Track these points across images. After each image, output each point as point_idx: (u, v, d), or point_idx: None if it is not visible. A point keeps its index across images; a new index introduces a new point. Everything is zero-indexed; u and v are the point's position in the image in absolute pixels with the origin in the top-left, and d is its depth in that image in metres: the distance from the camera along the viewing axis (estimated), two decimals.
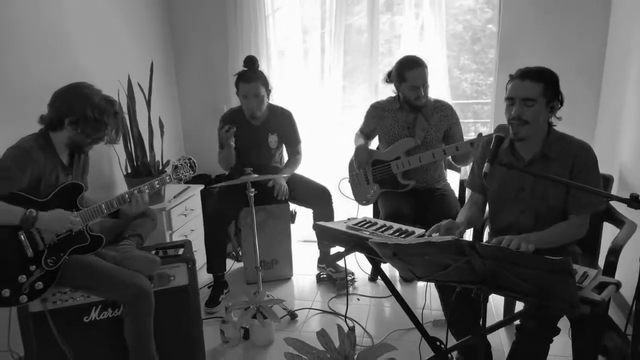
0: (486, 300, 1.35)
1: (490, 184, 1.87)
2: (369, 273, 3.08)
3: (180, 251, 2.22)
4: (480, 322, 1.44)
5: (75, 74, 2.66)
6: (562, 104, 1.79)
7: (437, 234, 1.68)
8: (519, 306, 2.33)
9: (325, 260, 3.06)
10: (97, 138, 1.95)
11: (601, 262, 1.95)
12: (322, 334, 1.77)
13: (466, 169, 2.82)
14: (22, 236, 1.76)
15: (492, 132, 2.35)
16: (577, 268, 1.41)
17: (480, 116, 4.11)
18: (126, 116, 2.82)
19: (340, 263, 3.02)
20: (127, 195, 2.03)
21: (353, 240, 1.81)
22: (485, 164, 1.57)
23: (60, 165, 1.93)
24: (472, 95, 4.13)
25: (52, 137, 1.90)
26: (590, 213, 1.78)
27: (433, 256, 1.30)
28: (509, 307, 2.35)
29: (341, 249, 1.91)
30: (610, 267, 1.79)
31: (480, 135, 2.48)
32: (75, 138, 1.90)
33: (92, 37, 2.82)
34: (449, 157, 2.75)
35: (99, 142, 1.98)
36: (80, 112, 1.86)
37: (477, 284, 1.34)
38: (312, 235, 3.52)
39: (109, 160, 2.95)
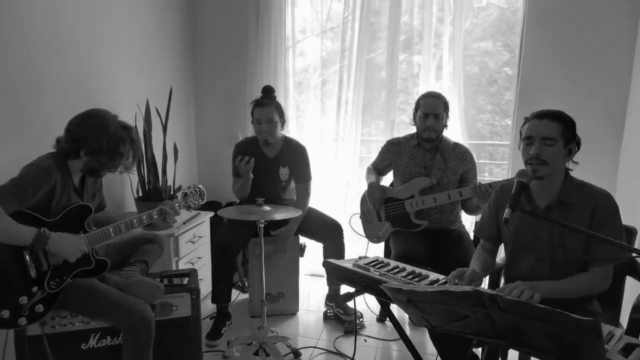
0: (506, 355, 1.27)
1: (508, 231, 1.80)
2: (378, 313, 2.98)
3: (185, 280, 2.17)
4: None
5: (96, 96, 2.69)
6: (579, 148, 1.73)
7: (457, 280, 1.60)
8: None
9: (335, 300, 2.97)
10: (113, 166, 1.95)
11: (622, 319, 1.85)
12: None
13: None
14: (26, 256, 1.73)
15: (511, 176, 2.33)
16: (602, 327, 1.33)
17: (495, 157, 4.06)
18: (141, 140, 2.82)
19: (350, 303, 2.93)
20: (135, 220, 2.00)
21: (364, 282, 1.74)
22: (507, 210, 1.51)
23: (72, 187, 1.91)
24: (486, 136, 4.10)
25: (68, 161, 1.90)
26: (612, 265, 1.69)
27: (450, 306, 1.23)
28: None
29: (351, 289, 1.85)
30: (635, 326, 1.69)
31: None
32: (91, 165, 1.90)
33: (114, 61, 2.86)
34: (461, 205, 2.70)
35: (114, 170, 1.97)
36: (96, 143, 1.85)
37: (495, 339, 1.26)
38: (320, 270, 3.47)
39: (121, 183, 2.94)
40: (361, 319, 2.89)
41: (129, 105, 2.87)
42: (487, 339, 1.28)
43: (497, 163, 3.95)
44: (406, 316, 2.95)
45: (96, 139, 1.85)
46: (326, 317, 2.97)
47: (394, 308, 2.70)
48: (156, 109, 3.02)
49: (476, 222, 2.74)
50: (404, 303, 1.35)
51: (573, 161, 1.74)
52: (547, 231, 1.71)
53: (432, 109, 2.56)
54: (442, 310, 1.27)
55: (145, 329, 1.88)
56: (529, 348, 1.24)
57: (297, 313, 3.04)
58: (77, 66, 2.57)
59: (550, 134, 1.65)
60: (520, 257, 1.79)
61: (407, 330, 2.82)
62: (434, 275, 1.75)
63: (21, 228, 1.68)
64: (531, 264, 1.75)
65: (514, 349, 1.28)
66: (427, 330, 2.79)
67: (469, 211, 2.67)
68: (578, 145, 1.71)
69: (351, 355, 2.52)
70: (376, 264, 1.88)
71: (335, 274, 1.88)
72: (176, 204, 2.13)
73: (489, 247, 1.92)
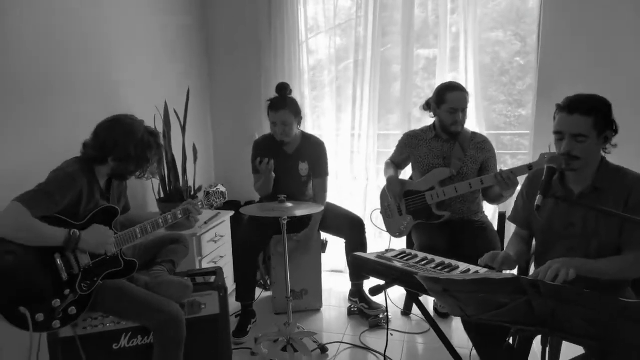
0: (547, 342, 1.25)
1: (540, 218, 1.77)
2: (402, 307, 2.97)
3: (212, 279, 2.18)
4: None
5: (115, 99, 2.71)
6: (616, 132, 1.67)
7: (487, 266, 1.59)
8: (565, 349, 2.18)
9: (359, 295, 2.95)
10: (140, 171, 1.98)
11: None
12: None
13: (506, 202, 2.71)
14: (58, 259, 1.75)
15: (534, 160, 2.30)
16: None
17: (509, 148, 4.03)
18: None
19: (375, 298, 2.91)
20: (160, 220, 2.01)
21: (393, 274, 1.73)
22: (538, 197, 1.49)
23: (99, 190, 1.93)
24: (500, 126, 4.07)
25: (95, 166, 1.92)
26: None
27: (488, 294, 1.22)
28: (554, 351, 2.20)
29: (379, 282, 1.84)
30: None
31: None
32: (118, 170, 1.93)
33: (132, 64, 2.87)
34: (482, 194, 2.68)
35: (141, 176, 2.01)
36: (125, 150, 1.88)
37: (534, 326, 1.25)
38: (342, 266, 3.47)
39: (143, 185, 2.96)
40: (386, 313, 2.88)
41: (147, 107, 2.89)
42: (525, 326, 1.26)
43: (513, 153, 3.91)
44: (430, 307, 2.93)
45: (125, 146, 1.87)
46: (350, 313, 2.96)
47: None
48: (174, 111, 3.03)
49: (499, 213, 2.72)
50: (439, 293, 1.34)
51: (612, 144, 1.68)
52: (581, 218, 1.68)
53: (460, 103, 2.53)
54: (480, 299, 1.26)
55: (176, 328, 1.89)
56: (568, 334, 1.22)
57: (321, 309, 3.04)
58: (95, 70, 2.58)
59: (581, 131, 1.59)
60: (553, 246, 1.76)
61: None
62: (464, 266, 1.73)
63: (51, 230, 1.70)
64: (563, 253, 1.72)
65: (553, 336, 1.26)
66: (453, 322, 2.78)
67: (491, 201, 2.64)
68: (615, 130, 1.66)
69: (377, 349, 2.52)
70: (404, 256, 1.87)
71: (363, 268, 1.87)
72: (199, 203, 2.14)
73: (525, 234, 1.89)
